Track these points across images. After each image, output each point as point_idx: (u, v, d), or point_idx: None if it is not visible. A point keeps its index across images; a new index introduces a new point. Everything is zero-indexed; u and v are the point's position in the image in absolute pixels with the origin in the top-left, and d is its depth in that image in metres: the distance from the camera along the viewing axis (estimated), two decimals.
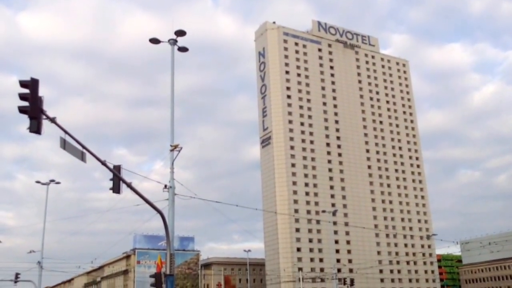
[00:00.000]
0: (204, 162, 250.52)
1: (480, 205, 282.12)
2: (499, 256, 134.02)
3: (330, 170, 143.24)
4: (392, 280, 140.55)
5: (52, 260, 67.07)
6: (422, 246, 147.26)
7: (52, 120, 19.05)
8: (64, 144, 19.38)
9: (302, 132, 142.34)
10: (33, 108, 17.23)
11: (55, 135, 19.02)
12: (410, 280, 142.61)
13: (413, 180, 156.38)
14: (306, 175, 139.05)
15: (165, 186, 28.59)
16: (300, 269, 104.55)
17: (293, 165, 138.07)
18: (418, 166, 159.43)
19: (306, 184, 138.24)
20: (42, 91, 17.52)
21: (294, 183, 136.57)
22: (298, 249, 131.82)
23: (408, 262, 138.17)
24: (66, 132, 19.53)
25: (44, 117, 18.29)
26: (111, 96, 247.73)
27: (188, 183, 30.75)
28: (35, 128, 17.21)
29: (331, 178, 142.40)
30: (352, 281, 71.79)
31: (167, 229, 25.89)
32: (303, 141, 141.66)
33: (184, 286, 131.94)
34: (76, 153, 20.24)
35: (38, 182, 48.77)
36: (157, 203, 25.64)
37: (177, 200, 28.76)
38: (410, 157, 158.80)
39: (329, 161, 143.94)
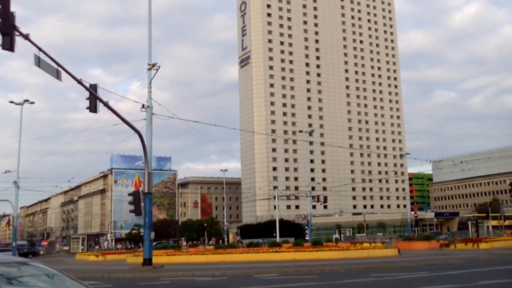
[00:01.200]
0: (182, 82, 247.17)
1: (454, 126, 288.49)
2: (468, 175, 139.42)
3: (308, 90, 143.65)
4: (364, 198, 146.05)
5: (28, 180, 67.36)
6: (395, 165, 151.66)
7: (26, 37, 18.42)
8: (38, 62, 18.87)
9: (282, 52, 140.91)
10: (5, 24, 16.47)
11: (29, 54, 18.38)
12: (381, 198, 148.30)
13: (390, 100, 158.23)
14: (284, 96, 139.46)
15: (143, 106, 28.34)
16: (275, 187, 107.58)
17: (271, 85, 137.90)
18: (395, 86, 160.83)
19: (284, 105, 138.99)
20: (14, 9, 16.75)
21: (272, 103, 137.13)
22: (274, 168, 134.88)
23: (380, 180, 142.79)
24: (40, 49, 18.95)
25: (17, 33, 17.63)
26: (86, 14, 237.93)
27: (166, 104, 30.53)
28: (8, 45, 16.57)
29: (309, 99, 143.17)
30: (325, 198, 74.23)
31: (145, 148, 26.01)
32: (282, 61, 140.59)
33: (161, 204, 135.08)
34: (51, 71, 19.76)
35: (12, 102, 47.73)
36: (135, 123, 25.57)
37: (154, 120, 28.70)
38: (389, 77, 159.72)
39: (308, 82, 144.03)
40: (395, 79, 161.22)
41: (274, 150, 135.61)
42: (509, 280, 16.53)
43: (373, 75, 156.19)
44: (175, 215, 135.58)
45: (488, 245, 41.60)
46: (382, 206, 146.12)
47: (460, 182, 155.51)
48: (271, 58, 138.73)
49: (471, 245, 41.88)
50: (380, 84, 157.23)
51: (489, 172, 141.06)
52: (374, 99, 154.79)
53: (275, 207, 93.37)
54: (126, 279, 22.46)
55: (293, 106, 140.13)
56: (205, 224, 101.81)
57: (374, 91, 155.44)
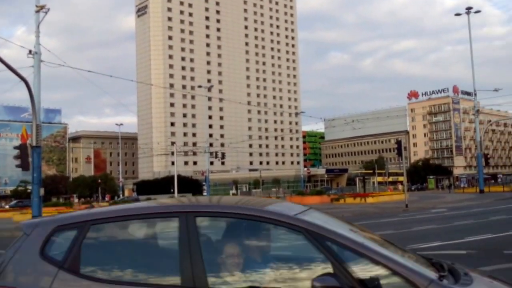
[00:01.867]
0: (74, 30, 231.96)
1: (346, 86, 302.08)
2: (358, 134, 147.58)
3: (208, 45, 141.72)
4: (260, 154, 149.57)
5: None
6: (290, 123, 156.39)
7: None
8: None
9: (181, 4, 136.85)
10: None
11: None
12: (276, 154, 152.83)
13: (287, 59, 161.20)
14: (183, 49, 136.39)
15: (30, 51, 25.85)
16: (173, 143, 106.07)
17: (170, 37, 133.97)
18: (293, 46, 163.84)
19: (183, 59, 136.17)
20: None
21: (171, 56, 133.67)
22: (172, 124, 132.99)
23: (276, 138, 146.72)
24: None
25: None
26: None
27: (56, 52, 28.11)
28: None
29: (208, 54, 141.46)
30: (223, 155, 74.62)
31: (33, 99, 23.89)
32: (182, 12, 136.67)
33: (51, 160, 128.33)
34: None
35: None
36: (21, 71, 23.26)
37: (43, 68, 26.39)
38: (287, 37, 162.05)
39: (207, 36, 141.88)
40: (292, 38, 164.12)
41: (172, 105, 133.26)
42: (394, 231, 17.39)
43: (271, 33, 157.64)
44: (66, 171, 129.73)
45: (374, 199, 44.31)
46: (277, 163, 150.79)
47: (350, 141, 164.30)
48: (169, 9, 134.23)
49: (359, 199, 44.32)
50: (278, 42, 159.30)
51: (377, 132, 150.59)
52: (272, 57, 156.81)
53: (172, 163, 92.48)
54: (14, 238, 20.77)
55: (192, 60, 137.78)
56: (99, 181, 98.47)
57: (272, 49, 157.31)
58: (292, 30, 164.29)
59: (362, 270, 2.94)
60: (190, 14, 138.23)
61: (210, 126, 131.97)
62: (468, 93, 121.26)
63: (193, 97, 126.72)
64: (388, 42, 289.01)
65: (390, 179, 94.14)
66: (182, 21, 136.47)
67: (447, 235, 15.46)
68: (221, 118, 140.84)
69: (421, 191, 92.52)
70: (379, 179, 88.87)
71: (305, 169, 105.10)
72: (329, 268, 2.93)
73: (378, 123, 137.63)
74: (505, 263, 9.67)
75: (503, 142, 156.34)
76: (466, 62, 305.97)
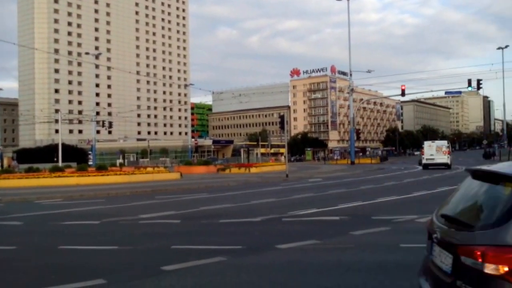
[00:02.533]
0: None
1: (234, 61, 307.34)
2: (243, 107, 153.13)
3: (96, 11, 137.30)
4: (149, 124, 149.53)
5: None
6: (179, 94, 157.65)
7: None
8: None
9: None
10: None
11: None
12: (165, 125, 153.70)
13: (178, 31, 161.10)
14: (70, 14, 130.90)
15: None
16: (57, 110, 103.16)
17: (56, 0, 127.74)
18: (183, 18, 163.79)
19: (69, 24, 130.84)
20: None
21: (56, 20, 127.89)
22: (57, 91, 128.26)
23: (164, 108, 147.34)
24: None
25: None
26: None
27: None
28: None
29: (96, 20, 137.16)
30: (110, 124, 74.12)
31: None
32: None
33: None
34: None
35: None
36: None
37: None
38: (177, 9, 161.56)
39: (96, 2, 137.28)
40: (183, 11, 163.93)
41: (56, 71, 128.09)
42: (276, 199, 18.52)
43: (162, 3, 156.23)
44: None
45: (257, 170, 47.17)
46: (165, 133, 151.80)
47: (236, 113, 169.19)
48: None
49: (244, 169, 46.81)
50: (169, 14, 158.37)
51: (261, 106, 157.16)
52: (163, 28, 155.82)
53: (56, 131, 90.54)
54: None
55: (79, 26, 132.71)
56: None
57: (163, 20, 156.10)
58: (183, 2, 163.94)
59: None
60: None
61: (97, 95, 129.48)
62: (344, 73, 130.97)
63: (79, 64, 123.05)
64: (273, 21, 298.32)
65: (272, 150, 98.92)
66: None
67: (323, 202, 16.39)
68: (109, 86, 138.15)
69: (299, 162, 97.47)
70: (262, 150, 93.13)
71: (193, 140, 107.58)
72: None
73: (262, 98, 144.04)
74: (374, 228, 10.60)
75: (372, 119, 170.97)
76: (343, 44, 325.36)
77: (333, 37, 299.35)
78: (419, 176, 32.45)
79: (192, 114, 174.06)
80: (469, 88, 50.29)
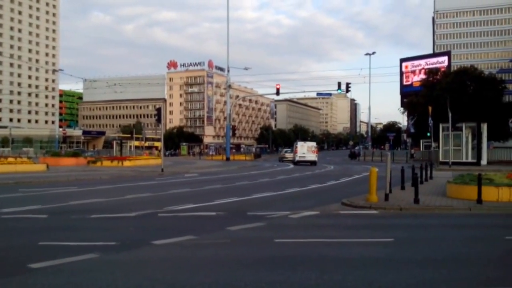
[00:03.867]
0: None
1: (108, 48, 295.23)
2: (117, 97, 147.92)
3: None
4: (11, 111, 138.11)
5: None
6: (47, 80, 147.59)
7: None
8: None
9: None
10: None
11: None
12: (29, 112, 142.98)
13: (47, 12, 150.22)
14: None
15: None
16: None
17: None
18: None
19: None
20: None
21: None
22: None
23: (29, 94, 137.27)
24: None
25: None
26: None
27: None
28: None
29: None
30: None
31: None
32: None
33: None
34: None
35: None
36: None
37: None
38: None
39: None
40: None
41: None
42: (152, 194, 18.19)
43: None
44: None
45: (131, 163, 45.65)
46: (30, 121, 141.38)
47: (109, 103, 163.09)
48: None
49: (117, 162, 45.04)
50: None
51: (136, 97, 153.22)
52: (30, 7, 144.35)
53: None
54: None
55: None
56: None
57: None
58: None
59: None
60: None
61: None
62: (222, 69, 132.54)
63: None
64: (150, 10, 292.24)
65: (147, 144, 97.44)
66: None
67: (199, 197, 16.48)
68: None
69: (174, 156, 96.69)
70: (136, 143, 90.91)
71: (61, 129, 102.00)
72: None
73: (138, 88, 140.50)
74: (249, 223, 10.85)
75: (248, 116, 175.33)
76: (221, 39, 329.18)
77: (211, 31, 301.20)
78: (291, 173, 33.87)
79: (60, 102, 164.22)
80: (339, 91, 53.58)
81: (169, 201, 15.67)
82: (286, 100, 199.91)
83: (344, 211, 13.69)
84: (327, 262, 7.39)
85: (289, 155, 59.49)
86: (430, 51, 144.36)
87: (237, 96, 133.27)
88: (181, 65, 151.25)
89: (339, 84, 51.60)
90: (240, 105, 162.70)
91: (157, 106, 40.53)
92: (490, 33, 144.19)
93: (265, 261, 7.39)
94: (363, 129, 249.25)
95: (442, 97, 54.67)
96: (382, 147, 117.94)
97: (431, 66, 79.81)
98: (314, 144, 52.64)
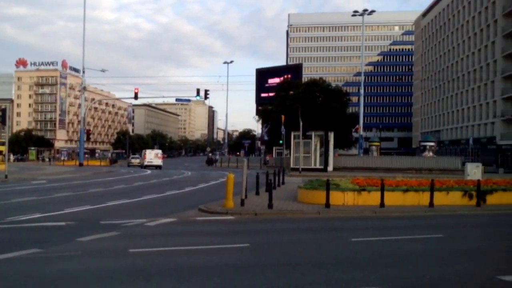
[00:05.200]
0: None
1: None
2: None
3: None
4: None
5: None
6: None
7: None
8: None
9: None
10: None
11: None
12: None
13: None
14: None
15: None
16: None
17: None
18: None
19: None
20: None
21: None
22: None
23: None
24: None
25: None
26: None
27: None
28: None
29: None
30: None
31: None
32: None
33: None
34: None
35: None
36: None
37: None
38: None
39: None
40: None
41: None
42: None
43: None
44: None
45: None
46: None
47: None
48: None
49: None
50: None
51: None
52: None
53: None
54: None
55: None
56: None
57: None
58: None
59: None
60: None
61: None
62: (77, 70, 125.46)
63: None
64: None
65: None
66: None
67: (47, 206, 15.59)
68: None
69: (21, 162, 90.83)
70: None
71: None
72: None
73: None
74: (102, 233, 10.35)
75: (104, 120, 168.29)
76: (76, 39, 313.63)
77: (66, 30, 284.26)
78: (149, 179, 33.22)
79: None
80: (197, 97, 54.05)
81: (12, 211, 14.45)
82: (144, 105, 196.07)
83: (201, 217, 13.71)
84: (184, 270, 7.29)
85: (135, 161, 66.58)
86: (284, 63, 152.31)
87: (93, 99, 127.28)
88: (31, 63, 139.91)
89: (198, 91, 52.06)
90: (96, 108, 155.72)
91: (2, 107, 37.34)
92: (338, 48, 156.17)
93: (119, 273, 7.10)
94: (220, 136, 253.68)
95: (294, 106, 57.93)
96: (238, 153, 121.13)
97: (284, 77, 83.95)
98: (160, 151, 62.87)
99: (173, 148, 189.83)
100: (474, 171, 24.68)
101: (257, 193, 19.32)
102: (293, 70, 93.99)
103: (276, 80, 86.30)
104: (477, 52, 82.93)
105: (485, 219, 14.49)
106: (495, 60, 75.96)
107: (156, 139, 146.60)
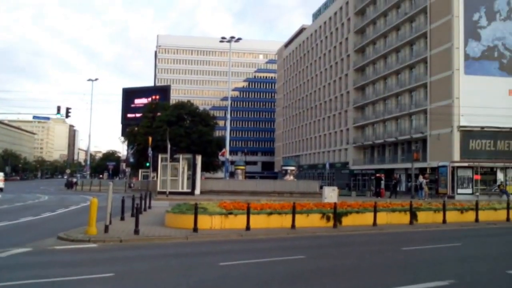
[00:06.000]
0: None
1: None
2: None
3: None
4: None
5: None
6: None
7: None
8: None
9: None
10: None
11: None
12: None
13: None
14: None
15: None
16: None
17: None
18: None
19: None
20: None
21: None
22: None
23: None
24: None
25: None
26: None
27: None
28: None
29: None
30: None
31: None
32: None
33: None
34: None
35: None
36: None
37: None
38: None
39: None
40: None
41: None
42: None
43: None
44: None
45: None
46: None
47: None
48: None
49: None
50: None
51: None
52: None
53: None
54: None
55: None
56: None
57: None
58: None
59: None
60: None
61: None
62: None
63: None
64: None
65: None
66: None
67: None
68: None
69: None
70: None
71: None
72: None
73: None
74: None
75: None
76: None
77: None
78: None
79: None
80: (58, 115, 50.93)
81: None
82: None
83: (61, 246, 12.84)
84: None
85: None
86: (152, 83, 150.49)
87: None
88: None
89: (59, 108, 49.14)
90: None
91: None
92: (206, 72, 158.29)
93: None
94: (81, 157, 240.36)
95: (162, 128, 57.38)
96: (101, 176, 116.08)
97: (152, 98, 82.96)
98: (2, 174, 58.92)
99: (28, 169, 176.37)
100: (331, 194, 26.40)
101: (122, 218, 18.67)
102: (161, 91, 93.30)
103: (143, 100, 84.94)
104: (333, 83, 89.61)
105: (341, 239, 15.53)
106: (348, 91, 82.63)
107: (9, 160, 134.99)
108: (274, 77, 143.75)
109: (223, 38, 60.57)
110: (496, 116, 48.09)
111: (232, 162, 68.24)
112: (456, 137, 51.08)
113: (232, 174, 63.63)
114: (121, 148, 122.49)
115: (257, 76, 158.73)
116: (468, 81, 51.23)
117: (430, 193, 45.43)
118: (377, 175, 53.87)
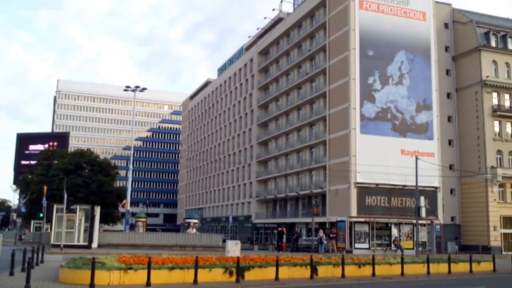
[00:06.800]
0: None
1: None
2: None
3: None
4: None
5: None
6: None
7: None
8: None
9: None
10: None
11: None
12: None
13: None
14: None
15: None
16: None
17: None
18: None
19: None
20: None
21: None
22: None
23: None
24: None
25: None
26: None
27: None
28: None
29: None
30: None
31: None
32: None
33: None
34: None
35: None
36: None
37: None
38: None
39: None
40: None
41: None
42: None
43: None
44: None
45: None
46: None
47: None
48: None
49: None
50: None
51: None
52: None
53: None
54: None
55: None
56: None
57: None
58: None
59: None
60: None
61: None
62: None
63: None
64: None
65: None
66: None
67: None
68: None
69: None
70: None
71: None
72: None
73: None
74: None
75: None
76: None
77: None
78: None
79: None
80: None
81: None
82: None
83: None
84: None
85: None
86: (50, 129, 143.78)
87: None
88: None
89: None
90: None
91: None
92: (108, 120, 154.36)
93: None
94: None
95: (58, 177, 54.66)
96: None
97: (49, 145, 79.32)
98: None
99: None
100: (234, 248, 26.38)
101: (12, 273, 17.32)
102: (59, 138, 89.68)
103: (39, 147, 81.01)
104: (237, 136, 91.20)
105: None
106: (251, 146, 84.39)
107: None
108: (179, 128, 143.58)
109: (127, 87, 59.80)
110: (389, 174, 51.27)
111: (133, 214, 66.18)
112: (353, 193, 53.45)
113: (133, 227, 61.60)
114: (12, 197, 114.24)
115: (162, 127, 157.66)
116: (364, 140, 54.35)
117: (333, 248, 46.62)
118: (279, 229, 54.69)
